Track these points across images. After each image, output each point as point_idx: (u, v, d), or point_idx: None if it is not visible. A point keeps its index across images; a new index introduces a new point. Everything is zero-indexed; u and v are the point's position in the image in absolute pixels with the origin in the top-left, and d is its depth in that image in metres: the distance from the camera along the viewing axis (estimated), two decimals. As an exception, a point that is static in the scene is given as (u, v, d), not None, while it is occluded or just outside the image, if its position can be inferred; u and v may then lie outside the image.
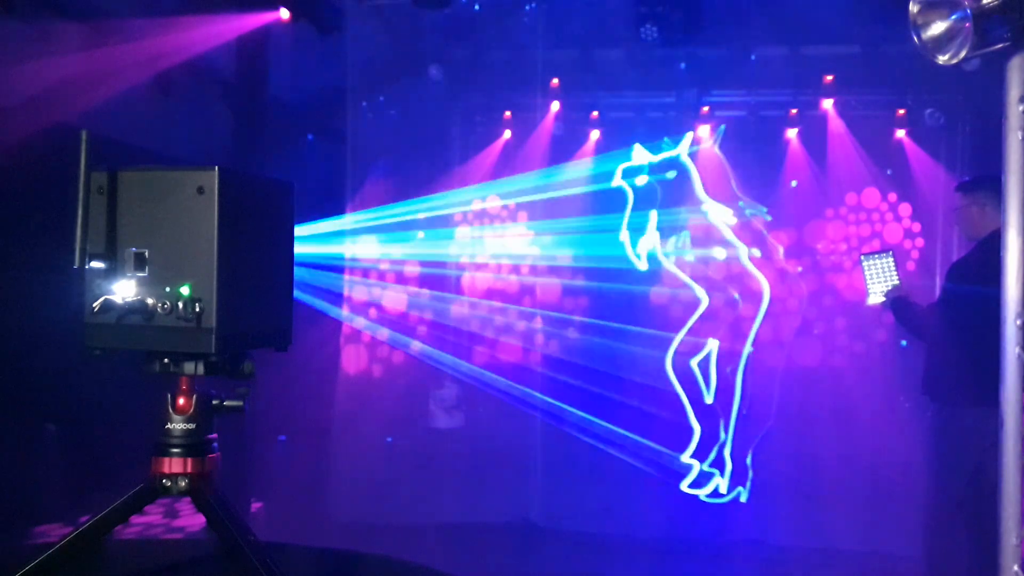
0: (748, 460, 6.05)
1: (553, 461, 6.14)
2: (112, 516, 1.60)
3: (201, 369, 1.58)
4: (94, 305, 1.49)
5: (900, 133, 6.68)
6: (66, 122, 4.12)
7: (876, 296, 4.00)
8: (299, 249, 1.74)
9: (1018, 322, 1.40)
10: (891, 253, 4.03)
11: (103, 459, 4.33)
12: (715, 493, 5.94)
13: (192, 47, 5.15)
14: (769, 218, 6.46)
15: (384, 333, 6.71)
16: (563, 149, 7.00)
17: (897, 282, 3.93)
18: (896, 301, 3.94)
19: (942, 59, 1.44)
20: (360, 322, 6.66)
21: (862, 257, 4.10)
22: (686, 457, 6.00)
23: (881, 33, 5.86)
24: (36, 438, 5.06)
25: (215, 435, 1.64)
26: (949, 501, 3.73)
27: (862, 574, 5.02)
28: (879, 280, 3.95)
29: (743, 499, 5.91)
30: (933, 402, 3.88)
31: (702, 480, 5.95)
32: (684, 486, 5.93)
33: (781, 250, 6.42)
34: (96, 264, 1.50)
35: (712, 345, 6.07)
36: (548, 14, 6.21)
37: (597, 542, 5.32)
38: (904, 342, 6.18)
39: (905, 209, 6.83)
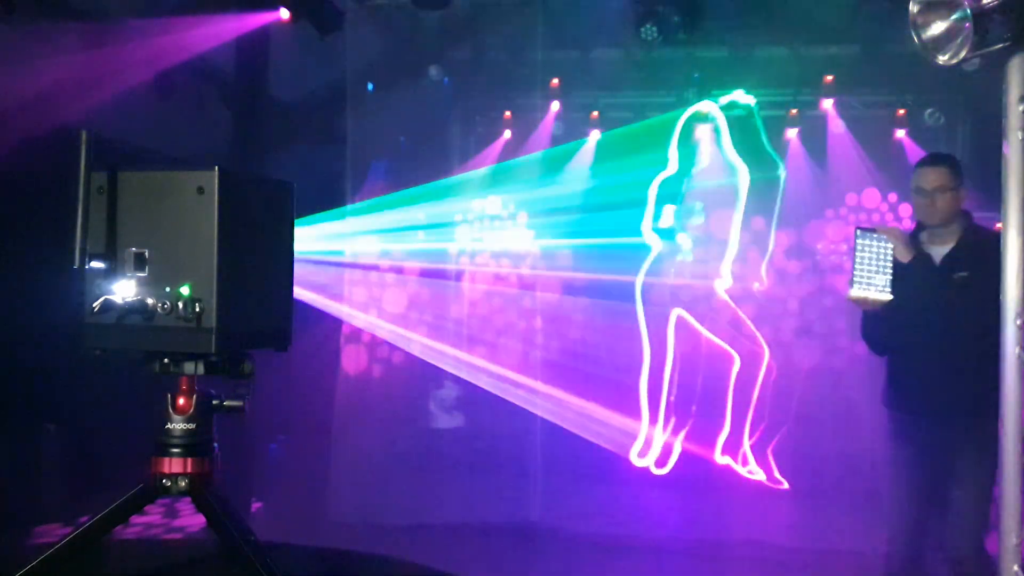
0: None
1: (553, 461, 6.14)
2: (112, 516, 1.60)
3: (201, 369, 1.58)
4: (94, 305, 1.50)
5: (900, 133, 6.67)
6: (66, 122, 4.12)
7: (860, 288, 3.22)
8: (298, 247, 1.74)
9: (1018, 322, 1.40)
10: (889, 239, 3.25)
11: (103, 459, 4.33)
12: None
13: (192, 47, 5.16)
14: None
15: (384, 332, 6.70)
16: (563, 148, 7.00)
17: (890, 276, 3.18)
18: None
19: (942, 59, 1.44)
20: (360, 321, 6.65)
21: (858, 231, 3.25)
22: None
23: (881, 33, 5.85)
24: (36, 438, 5.06)
25: (215, 435, 1.64)
26: None
27: (862, 574, 5.01)
28: (870, 268, 3.20)
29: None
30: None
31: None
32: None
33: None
34: (96, 264, 1.50)
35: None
36: (548, 14, 6.21)
37: (597, 542, 5.31)
38: None
39: (905, 209, 6.82)
